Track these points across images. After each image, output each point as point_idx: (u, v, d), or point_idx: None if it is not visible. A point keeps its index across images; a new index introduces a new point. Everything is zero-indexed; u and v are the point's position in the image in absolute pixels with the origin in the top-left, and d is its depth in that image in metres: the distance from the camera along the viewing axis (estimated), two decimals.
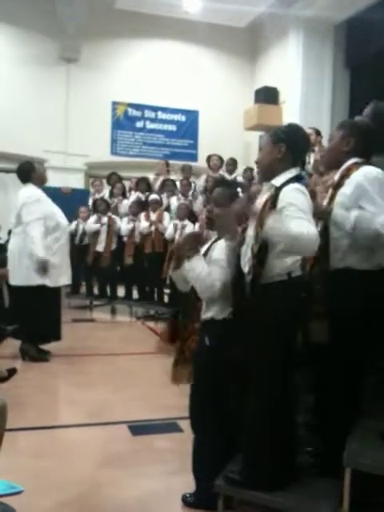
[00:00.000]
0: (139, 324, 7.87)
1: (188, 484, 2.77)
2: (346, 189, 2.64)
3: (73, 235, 8.70)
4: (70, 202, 8.61)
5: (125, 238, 8.51)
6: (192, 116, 12.17)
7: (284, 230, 2.29)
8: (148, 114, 12.01)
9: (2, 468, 2.82)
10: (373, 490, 2.55)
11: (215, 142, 10.75)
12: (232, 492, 2.50)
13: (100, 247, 8.67)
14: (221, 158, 9.02)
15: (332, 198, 2.70)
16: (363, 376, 2.73)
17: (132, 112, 11.92)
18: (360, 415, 2.69)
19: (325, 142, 7.18)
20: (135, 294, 8.66)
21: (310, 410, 2.85)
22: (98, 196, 9.55)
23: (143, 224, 8.11)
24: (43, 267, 5.13)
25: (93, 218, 8.79)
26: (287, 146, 2.53)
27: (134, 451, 3.36)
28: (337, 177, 2.76)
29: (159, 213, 8.10)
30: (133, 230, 8.32)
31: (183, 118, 12.19)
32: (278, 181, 2.50)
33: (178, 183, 8.97)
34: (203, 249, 2.73)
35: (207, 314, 2.66)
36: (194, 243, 2.65)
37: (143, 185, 9.05)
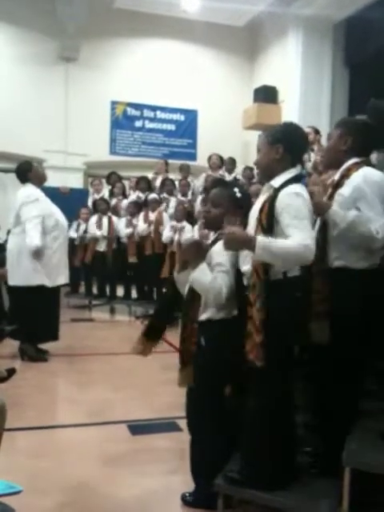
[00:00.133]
0: (138, 323, 7.85)
1: (187, 483, 2.77)
2: (345, 190, 2.64)
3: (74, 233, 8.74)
4: (68, 201, 8.62)
5: (124, 239, 8.51)
6: (191, 115, 12.17)
7: (276, 251, 2.28)
8: (147, 113, 12.01)
9: (2, 468, 2.82)
10: (372, 489, 2.56)
11: (214, 141, 10.75)
12: (232, 491, 2.50)
13: (100, 247, 8.67)
14: (221, 158, 9.02)
15: (331, 198, 2.70)
16: (363, 376, 2.73)
17: (131, 111, 11.92)
18: (360, 415, 2.69)
19: (324, 140, 7.19)
20: (134, 294, 8.66)
21: (309, 410, 2.85)
22: (97, 196, 9.56)
23: (141, 226, 8.10)
24: (37, 253, 5.17)
25: (93, 219, 8.78)
26: (285, 147, 2.50)
27: (134, 451, 3.36)
28: (337, 177, 2.75)
29: (158, 213, 8.09)
30: (132, 233, 8.31)
31: (182, 118, 12.19)
32: (276, 182, 2.48)
33: (176, 183, 8.97)
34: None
35: (204, 314, 2.65)
36: (197, 252, 2.64)
37: (143, 184, 9.04)
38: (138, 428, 3.70)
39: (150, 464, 3.18)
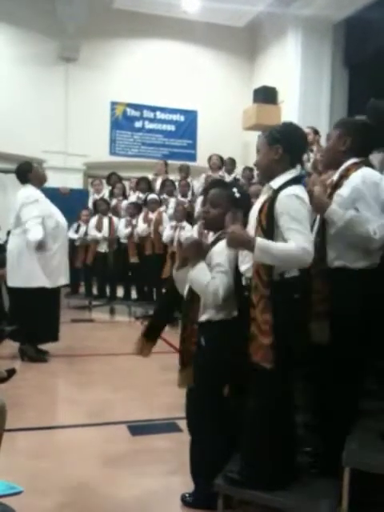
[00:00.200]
0: (138, 324, 7.85)
1: (187, 484, 2.77)
2: (344, 190, 2.64)
3: (74, 233, 8.74)
4: (68, 202, 8.62)
5: (123, 240, 8.52)
6: (191, 116, 12.18)
7: (274, 253, 2.30)
8: (147, 114, 12.02)
9: (2, 468, 2.83)
10: (372, 489, 2.56)
11: (214, 141, 10.75)
12: (232, 491, 2.50)
13: (101, 248, 8.68)
14: (221, 158, 9.02)
15: (329, 198, 2.69)
16: (363, 375, 2.73)
17: (131, 112, 11.92)
18: (360, 415, 2.69)
19: (323, 141, 7.19)
20: (134, 295, 8.66)
21: (309, 409, 2.85)
22: (97, 196, 9.56)
23: (141, 226, 8.11)
24: (40, 245, 5.20)
25: (94, 220, 8.79)
26: (284, 147, 2.50)
27: (134, 451, 3.36)
28: (336, 177, 2.75)
29: (158, 213, 8.09)
30: (132, 233, 8.32)
31: (182, 118, 12.20)
32: (276, 183, 2.48)
33: (176, 184, 8.98)
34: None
35: (204, 315, 2.65)
36: (197, 251, 2.64)
37: (143, 184, 9.04)
38: (138, 428, 3.70)
39: (149, 464, 3.18)
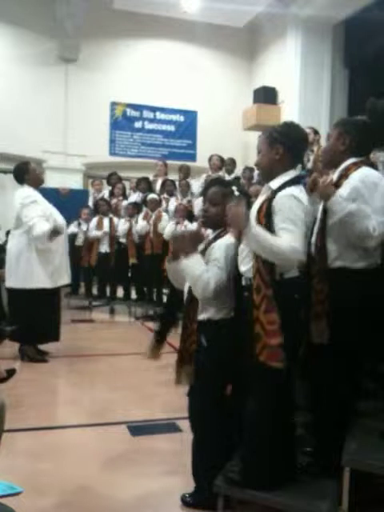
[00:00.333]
0: (138, 324, 7.87)
1: (187, 484, 2.77)
2: (343, 190, 2.64)
3: (74, 236, 8.73)
4: (69, 202, 8.63)
5: (122, 239, 8.52)
6: (191, 116, 12.18)
7: (263, 243, 2.30)
8: (146, 114, 12.01)
9: (1, 469, 2.83)
10: (372, 489, 2.56)
11: (214, 142, 10.75)
12: (231, 492, 2.49)
13: (103, 249, 8.68)
14: (221, 158, 9.02)
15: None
16: (360, 375, 2.73)
17: (130, 112, 11.92)
18: (358, 415, 2.69)
19: (323, 141, 7.18)
20: (134, 295, 8.66)
21: (309, 409, 2.85)
22: (97, 196, 9.56)
23: (140, 223, 8.11)
24: (55, 232, 5.22)
25: (94, 220, 8.79)
26: (284, 147, 2.50)
27: (134, 452, 3.36)
28: (335, 177, 2.75)
29: (158, 213, 8.09)
30: (130, 230, 8.33)
31: (182, 118, 12.20)
32: (275, 183, 2.48)
33: (177, 183, 8.98)
34: (200, 247, 2.73)
35: (204, 314, 2.65)
36: (193, 241, 2.65)
37: (144, 184, 9.04)
38: (138, 429, 3.70)
39: (149, 465, 3.18)
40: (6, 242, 6.13)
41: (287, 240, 2.29)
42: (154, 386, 4.58)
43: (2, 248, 6.34)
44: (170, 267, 2.84)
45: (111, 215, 8.75)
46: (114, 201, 9.13)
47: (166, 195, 8.69)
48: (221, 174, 8.84)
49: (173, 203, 8.38)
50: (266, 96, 10.97)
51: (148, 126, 12.05)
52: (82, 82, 11.21)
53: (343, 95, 10.78)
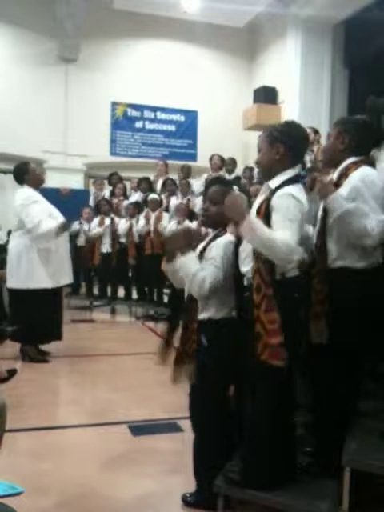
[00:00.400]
0: (139, 324, 7.88)
1: (188, 484, 2.77)
2: (343, 190, 2.64)
3: (75, 236, 8.73)
4: (69, 202, 8.61)
5: (123, 239, 8.52)
6: (191, 116, 12.18)
7: (259, 235, 2.30)
8: (147, 114, 12.02)
9: (2, 469, 2.83)
10: (372, 489, 2.56)
11: (214, 141, 10.76)
12: (232, 492, 2.49)
13: (104, 249, 8.68)
14: (222, 158, 9.02)
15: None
16: (361, 375, 2.73)
17: (131, 112, 11.93)
18: (358, 415, 2.69)
19: (323, 140, 7.18)
20: (134, 295, 8.67)
21: (309, 409, 2.86)
22: (98, 196, 9.56)
23: (141, 223, 8.11)
24: (62, 228, 5.27)
25: (96, 220, 8.79)
26: (285, 147, 2.50)
27: (135, 451, 3.36)
28: (335, 176, 2.76)
29: (158, 213, 8.09)
30: (130, 230, 8.33)
31: (182, 118, 12.20)
32: (274, 182, 2.49)
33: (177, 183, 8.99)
34: (199, 246, 2.73)
35: (204, 314, 2.65)
36: (187, 239, 2.65)
37: (145, 184, 9.05)
38: (139, 429, 3.70)
39: (150, 465, 3.18)
40: (7, 243, 6.12)
41: (282, 236, 2.29)
42: (154, 385, 4.59)
43: (3, 248, 6.34)
44: (168, 268, 2.85)
45: (112, 215, 8.76)
46: (114, 201, 9.14)
47: (166, 194, 8.69)
48: (221, 173, 8.84)
49: (173, 202, 8.38)
50: (267, 96, 10.97)
51: (149, 125, 12.05)
52: (82, 82, 11.21)
53: (343, 95, 10.78)
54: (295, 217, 2.35)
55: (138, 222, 8.26)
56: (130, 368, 5.19)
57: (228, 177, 8.80)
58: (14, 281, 5.31)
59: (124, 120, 11.89)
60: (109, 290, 8.85)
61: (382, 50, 8.90)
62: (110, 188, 9.63)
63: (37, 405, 4.13)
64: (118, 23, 11.16)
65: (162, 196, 8.63)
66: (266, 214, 2.39)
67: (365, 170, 2.67)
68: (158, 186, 9.12)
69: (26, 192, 5.34)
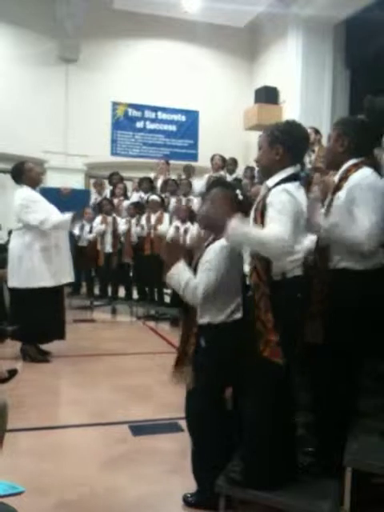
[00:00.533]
0: (140, 324, 7.88)
1: (189, 484, 2.77)
2: (342, 193, 2.64)
3: (77, 236, 8.73)
4: (70, 202, 8.61)
5: (121, 239, 8.52)
6: (192, 116, 12.18)
7: (248, 234, 2.31)
8: (148, 114, 12.02)
9: (3, 468, 2.83)
10: (373, 489, 2.56)
11: (215, 141, 10.77)
12: (233, 492, 2.50)
13: (106, 248, 8.69)
14: (223, 158, 9.02)
15: (330, 204, 2.70)
16: (360, 375, 2.73)
17: (132, 112, 11.93)
18: (358, 415, 2.69)
19: (324, 141, 7.18)
20: (135, 294, 8.67)
21: (309, 409, 2.85)
22: (99, 196, 9.56)
23: (139, 228, 8.10)
24: (74, 218, 5.30)
25: (98, 220, 8.79)
26: (284, 147, 2.50)
27: (135, 451, 3.36)
28: (336, 179, 2.75)
29: (159, 214, 8.08)
30: (129, 230, 8.33)
31: (183, 118, 12.20)
32: (271, 181, 2.49)
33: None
34: (200, 249, 2.73)
35: (204, 318, 2.64)
36: (174, 252, 2.64)
37: (146, 184, 9.05)
38: (140, 429, 3.70)
39: (151, 465, 3.18)
40: (7, 242, 6.12)
41: (273, 229, 2.29)
42: (155, 385, 4.59)
43: (4, 248, 6.34)
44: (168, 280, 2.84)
45: (114, 215, 8.77)
46: (115, 201, 9.14)
47: (167, 194, 8.69)
48: (222, 173, 8.84)
49: (174, 203, 8.38)
50: (268, 96, 10.97)
51: (149, 125, 12.06)
52: (82, 82, 11.22)
53: (344, 95, 10.78)
54: (287, 211, 2.34)
55: (138, 222, 8.24)
56: (130, 368, 5.19)
57: (229, 177, 8.81)
58: (15, 280, 5.31)
59: (125, 120, 11.89)
60: (109, 289, 8.85)
61: (383, 50, 8.89)
62: (111, 188, 9.62)
63: (37, 405, 4.13)
64: (119, 23, 11.17)
65: (163, 196, 8.62)
66: (262, 211, 2.40)
67: (364, 171, 2.66)
68: (158, 184, 9.11)
69: (25, 192, 5.34)
